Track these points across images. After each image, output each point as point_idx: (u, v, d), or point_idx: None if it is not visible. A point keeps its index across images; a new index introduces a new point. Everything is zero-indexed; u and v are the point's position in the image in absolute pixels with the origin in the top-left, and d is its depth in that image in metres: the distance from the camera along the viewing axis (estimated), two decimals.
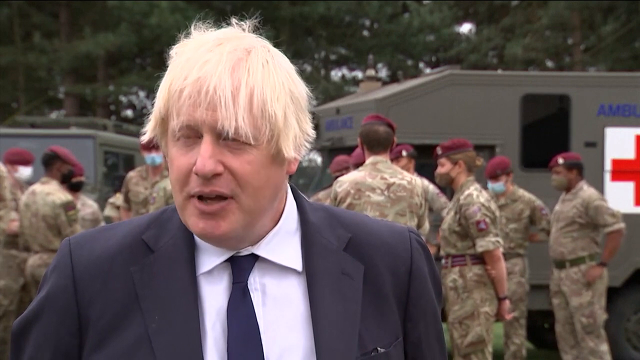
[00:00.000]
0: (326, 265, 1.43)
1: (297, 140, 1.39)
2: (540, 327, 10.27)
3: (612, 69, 21.88)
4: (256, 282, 1.41)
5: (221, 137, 1.33)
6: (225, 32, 1.40)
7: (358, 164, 6.96)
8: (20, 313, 7.90)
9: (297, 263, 1.43)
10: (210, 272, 1.41)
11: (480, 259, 6.15)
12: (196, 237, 1.42)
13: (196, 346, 1.36)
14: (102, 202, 11.15)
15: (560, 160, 8.00)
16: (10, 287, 7.89)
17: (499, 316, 6.21)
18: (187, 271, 1.40)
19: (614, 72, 19.62)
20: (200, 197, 1.34)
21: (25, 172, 8.13)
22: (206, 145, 1.32)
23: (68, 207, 7.76)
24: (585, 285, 7.79)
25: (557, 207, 8.09)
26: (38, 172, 8.35)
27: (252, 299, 1.40)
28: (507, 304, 6.20)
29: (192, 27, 1.42)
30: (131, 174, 8.65)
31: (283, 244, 1.43)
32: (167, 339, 1.36)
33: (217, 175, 1.33)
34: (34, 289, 7.79)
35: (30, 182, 8.38)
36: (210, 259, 1.41)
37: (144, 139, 1.43)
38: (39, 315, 1.44)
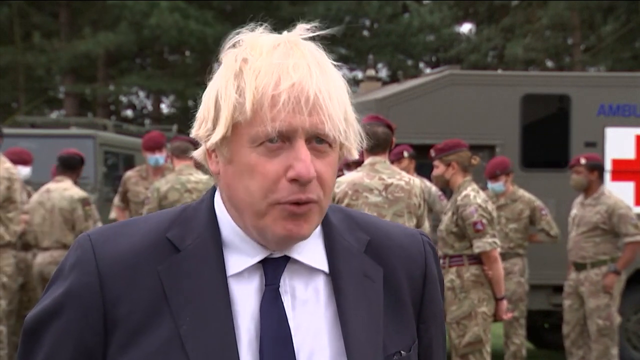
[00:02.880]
0: (350, 268, 1.44)
1: (359, 141, 1.43)
2: (540, 327, 10.27)
3: (612, 69, 21.88)
4: (286, 284, 1.41)
5: (310, 142, 1.34)
6: (281, 36, 1.40)
7: (350, 164, 6.96)
8: (19, 313, 7.93)
9: (324, 264, 1.44)
10: (240, 273, 1.40)
11: (478, 259, 6.15)
12: (224, 237, 1.41)
13: (232, 348, 1.35)
14: (102, 202, 11.15)
15: (583, 161, 7.93)
16: (10, 286, 7.89)
17: (496, 316, 6.21)
18: (217, 272, 1.39)
19: (614, 72, 19.63)
20: (288, 203, 1.34)
21: (24, 171, 8.15)
22: (305, 149, 1.33)
23: (85, 202, 7.91)
24: (604, 288, 7.79)
25: (576, 211, 8.01)
26: (38, 172, 8.35)
27: (283, 302, 1.40)
28: (504, 304, 6.20)
29: (234, 33, 1.41)
30: (129, 173, 8.63)
31: (311, 245, 1.44)
32: (200, 340, 1.35)
33: (311, 180, 1.34)
34: (40, 287, 7.79)
35: (27, 182, 8.39)
36: (240, 260, 1.40)
37: (209, 145, 1.38)
38: (58, 312, 1.39)
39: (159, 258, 1.39)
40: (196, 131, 1.40)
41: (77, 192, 7.96)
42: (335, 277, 1.42)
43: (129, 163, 11.98)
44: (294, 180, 1.33)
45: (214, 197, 1.46)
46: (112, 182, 11.66)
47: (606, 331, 7.79)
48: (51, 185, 7.99)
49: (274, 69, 1.33)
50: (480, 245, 6.05)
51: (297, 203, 1.34)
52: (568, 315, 8.06)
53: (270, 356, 1.36)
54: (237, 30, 1.42)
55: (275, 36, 1.40)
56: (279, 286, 1.40)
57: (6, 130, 12.48)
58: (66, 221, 7.82)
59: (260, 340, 1.37)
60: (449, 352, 6.30)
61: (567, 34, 23.98)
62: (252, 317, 1.38)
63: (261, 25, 1.43)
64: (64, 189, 7.89)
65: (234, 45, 1.40)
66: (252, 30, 1.41)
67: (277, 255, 1.41)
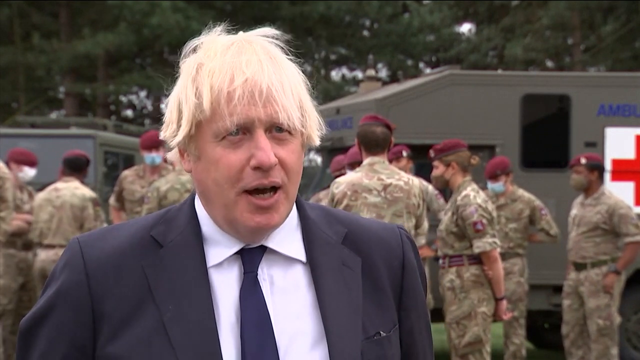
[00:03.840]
0: (328, 257, 1.52)
1: (319, 127, 1.51)
2: (540, 327, 10.27)
3: (612, 69, 21.88)
4: (264, 272, 1.49)
5: (270, 131, 1.44)
6: (236, 36, 1.50)
7: (352, 164, 6.96)
8: (18, 312, 7.93)
9: (301, 254, 1.52)
10: (220, 264, 1.49)
11: (478, 259, 6.15)
12: (204, 232, 1.50)
13: (212, 332, 1.43)
14: (102, 202, 11.15)
15: (583, 160, 7.92)
16: (9, 286, 7.89)
17: (496, 316, 6.21)
18: (198, 263, 1.47)
19: (614, 72, 19.62)
20: (255, 192, 1.43)
21: (30, 172, 8.15)
22: (263, 138, 1.42)
23: (95, 202, 8.03)
24: (604, 288, 7.78)
25: (576, 211, 8.00)
26: (37, 172, 8.34)
27: (262, 288, 1.47)
28: (504, 304, 6.20)
29: (201, 33, 1.51)
30: (126, 172, 8.62)
31: (288, 237, 1.52)
32: (183, 326, 1.43)
33: (272, 166, 1.43)
34: (41, 285, 7.77)
35: (28, 182, 8.39)
36: (220, 252, 1.49)
37: (174, 144, 1.49)
38: (51, 310, 1.48)
39: (144, 254, 1.48)
40: (164, 133, 1.51)
41: (88, 191, 8.07)
42: (313, 266, 1.50)
43: (129, 163, 11.98)
44: (257, 168, 1.42)
45: (194, 197, 1.55)
46: (112, 182, 11.65)
47: (606, 331, 7.78)
48: (59, 184, 8.03)
49: (227, 67, 1.43)
50: (480, 245, 6.05)
51: (262, 193, 1.43)
52: (567, 315, 8.06)
53: (251, 340, 1.44)
54: (195, 37, 1.51)
55: (229, 37, 1.50)
56: (257, 273, 1.48)
57: (6, 130, 12.52)
58: (75, 218, 7.86)
59: (241, 325, 1.45)
60: (449, 351, 6.30)
61: (567, 34, 23.97)
62: (232, 304, 1.46)
63: (219, 26, 1.52)
64: (75, 187, 7.97)
65: (194, 50, 1.50)
66: (209, 33, 1.51)
67: (253, 245, 1.49)
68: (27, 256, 8.09)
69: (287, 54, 1.50)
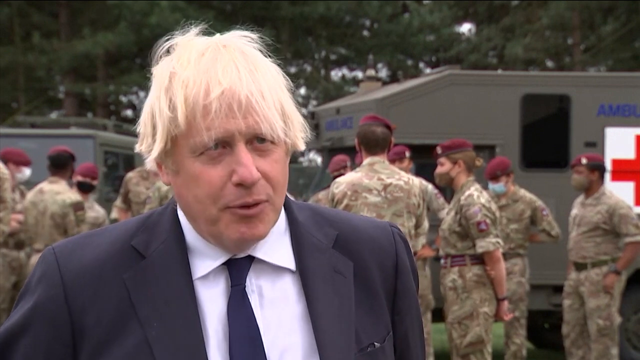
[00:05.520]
0: (318, 264, 1.44)
1: (303, 131, 1.42)
2: (540, 327, 10.27)
3: (612, 69, 21.89)
4: (252, 284, 1.41)
5: (251, 142, 1.34)
6: (211, 39, 1.40)
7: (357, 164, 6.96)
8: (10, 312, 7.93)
9: (290, 262, 1.44)
10: (206, 276, 1.40)
11: (480, 259, 6.14)
12: (188, 242, 1.42)
13: (200, 350, 1.35)
14: (102, 202, 11.16)
15: (584, 160, 7.92)
16: (3, 285, 7.88)
17: (497, 317, 6.21)
18: (183, 276, 1.39)
19: (614, 72, 19.62)
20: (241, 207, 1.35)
21: (27, 172, 8.14)
22: (245, 153, 1.33)
23: (77, 207, 7.78)
24: (604, 288, 7.78)
25: (577, 211, 8.00)
26: (37, 172, 8.34)
27: (250, 301, 1.40)
28: (506, 304, 6.20)
29: (175, 30, 1.41)
30: (130, 174, 8.65)
31: (276, 244, 1.44)
32: (168, 344, 1.35)
33: (255, 182, 1.34)
34: None
35: (25, 182, 8.38)
36: (205, 263, 1.41)
37: (149, 161, 1.40)
38: (26, 327, 1.40)
39: (124, 266, 1.39)
40: (139, 147, 1.41)
41: (69, 196, 7.79)
42: (303, 275, 1.42)
43: (129, 163, 12.00)
44: (239, 185, 1.33)
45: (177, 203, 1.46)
46: (112, 182, 11.67)
47: (606, 331, 7.78)
48: (45, 186, 7.86)
49: (201, 77, 1.33)
50: (483, 245, 6.04)
51: (247, 206, 1.34)
52: (568, 315, 8.05)
53: (240, 356, 1.36)
54: (167, 37, 1.41)
55: (204, 40, 1.39)
56: (245, 286, 1.40)
57: (6, 130, 12.52)
58: (57, 225, 7.70)
59: (229, 341, 1.37)
60: (450, 351, 6.30)
61: (567, 34, 23.99)
62: (219, 319, 1.38)
63: (195, 26, 1.42)
64: (56, 193, 7.74)
65: (168, 51, 1.40)
66: (184, 33, 1.41)
67: (240, 256, 1.41)
68: (19, 255, 8.07)
69: (266, 55, 1.41)
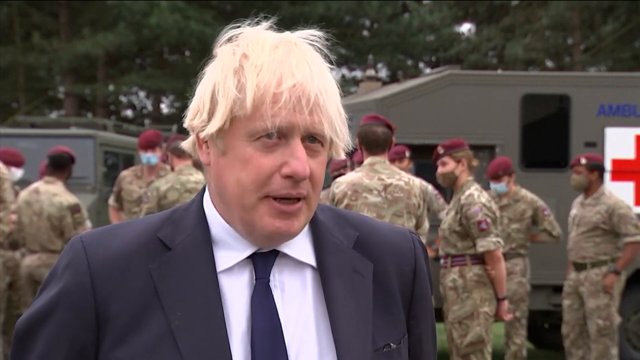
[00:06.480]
0: (338, 263, 1.47)
1: (345, 141, 1.45)
2: (540, 327, 10.27)
3: (612, 69, 21.89)
4: (275, 279, 1.44)
5: (304, 141, 1.38)
6: (281, 35, 1.43)
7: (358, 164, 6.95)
8: (9, 312, 7.90)
9: (311, 259, 1.47)
10: (230, 269, 1.43)
11: (480, 259, 6.15)
12: (213, 235, 1.44)
13: (223, 342, 1.37)
14: (102, 202, 11.15)
15: (583, 161, 7.91)
16: None
17: (498, 317, 6.21)
18: (207, 268, 1.41)
19: (614, 72, 19.62)
20: (279, 198, 1.38)
21: (17, 173, 8.09)
22: (301, 147, 1.37)
23: (74, 209, 7.73)
24: (604, 288, 7.78)
25: (576, 211, 8.00)
26: (33, 172, 8.32)
27: (273, 295, 1.42)
28: (506, 304, 6.20)
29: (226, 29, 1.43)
30: (124, 172, 8.63)
31: (298, 241, 1.46)
32: (191, 334, 1.37)
33: (305, 178, 1.38)
34: (29, 289, 7.73)
35: (20, 182, 8.35)
36: (230, 256, 1.43)
37: (203, 135, 1.40)
38: (52, 312, 1.42)
39: (150, 257, 1.42)
40: (190, 121, 1.43)
41: (66, 198, 7.72)
42: (323, 272, 1.45)
43: (129, 163, 11.98)
44: (288, 177, 1.36)
45: (203, 197, 1.48)
46: (112, 182, 11.65)
47: (606, 331, 7.78)
48: (40, 186, 7.78)
49: (276, 67, 1.36)
50: (484, 244, 6.04)
51: (287, 199, 1.37)
52: (567, 315, 8.05)
53: (261, 348, 1.38)
54: (233, 25, 1.44)
55: (274, 34, 1.43)
56: (269, 280, 1.42)
57: (6, 130, 12.51)
58: (54, 228, 7.65)
59: (251, 333, 1.39)
60: (450, 351, 6.30)
61: (567, 34, 23.98)
62: (243, 311, 1.41)
63: (259, 23, 1.45)
64: (53, 194, 7.68)
65: (229, 40, 1.43)
66: (251, 26, 1.44)
67: (266, 250, 1.43)
68: (14, 255, 8.05)
69: (330, 62, 1.45)
